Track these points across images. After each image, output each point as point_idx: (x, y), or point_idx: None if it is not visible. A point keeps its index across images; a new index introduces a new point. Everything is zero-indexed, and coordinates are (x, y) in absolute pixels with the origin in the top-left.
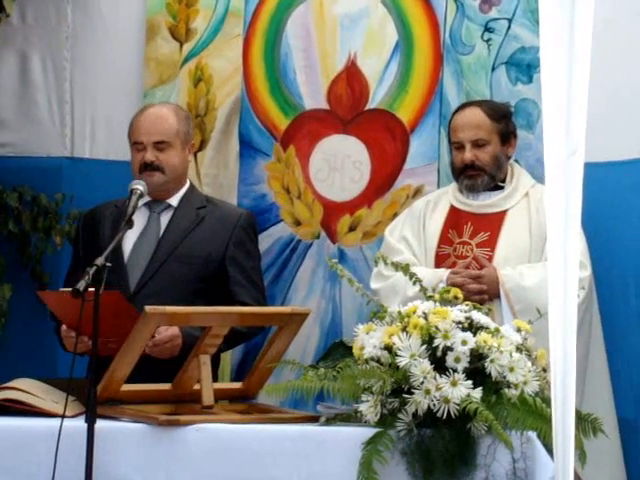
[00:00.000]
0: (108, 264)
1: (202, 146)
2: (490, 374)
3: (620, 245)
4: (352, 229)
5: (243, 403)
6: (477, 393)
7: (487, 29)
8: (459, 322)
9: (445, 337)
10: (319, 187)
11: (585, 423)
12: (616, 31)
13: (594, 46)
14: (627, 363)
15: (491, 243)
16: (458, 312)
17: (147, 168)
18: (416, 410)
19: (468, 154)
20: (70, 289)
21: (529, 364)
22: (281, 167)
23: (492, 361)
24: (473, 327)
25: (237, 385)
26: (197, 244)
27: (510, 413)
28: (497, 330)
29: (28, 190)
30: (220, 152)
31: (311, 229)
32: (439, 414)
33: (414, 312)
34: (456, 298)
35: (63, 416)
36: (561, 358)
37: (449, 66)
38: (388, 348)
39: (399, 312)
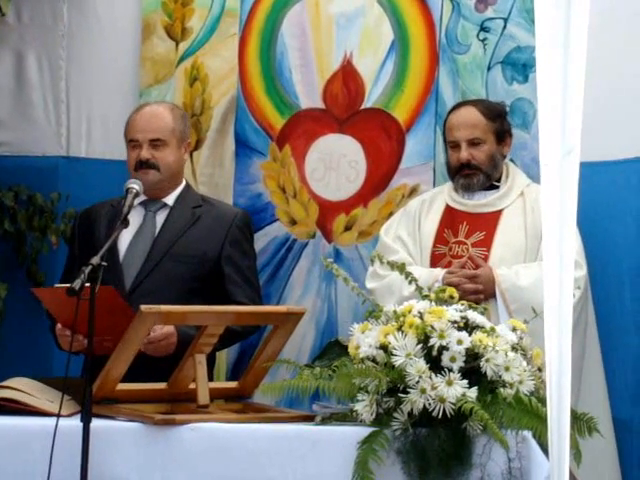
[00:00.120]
0: (104, 263)
1: (198, 145)
2: (486, 373)
3: (615, 244)
4: (348, 228)
5: (239, 402)
6: (472, 392)
7: (483, 28)
8: (455, 321)
9: (441, 336)
10: (315, 186)
11: (580, 423)
12: (612, 31)
13: (590, 46)
14: (622, 363)
15: (487, 243)
16: (454, 311)
17: (142, 166)
18: (412, 409)
19: (464, 153)
20: (65, 285)
21: (524, 363)
22: (277, 166)
23: (487, 360)
24: (469, 326)
25: (233, 384)
26: (193, 243)
27: (505, 412)
28: (492, 329)
29: (24, 189)
30: (216, 151)
31: (307, 228)
32: (435, 413)
33: (410, 311)
34: (452, 297)
35: (59, 415)
36: (556, 357)
37: (445, 65)
38: (384, 347)
39: (395, 311)
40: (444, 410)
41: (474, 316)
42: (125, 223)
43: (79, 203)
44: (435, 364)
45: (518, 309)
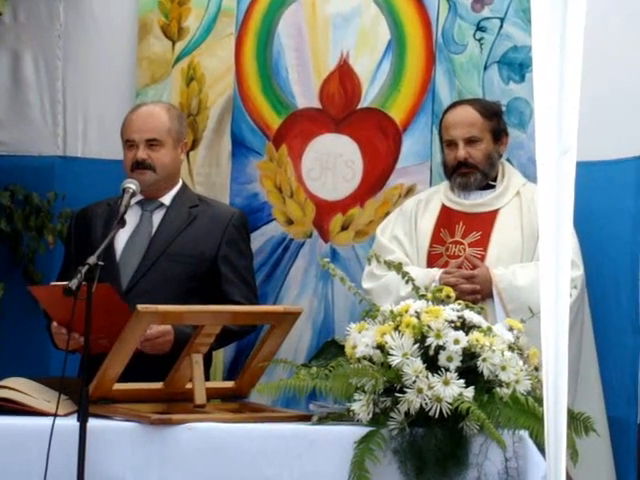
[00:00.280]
0: (100, 263)
1: (194, 145)
2: (482, 373)
3: (612, 244)
4: (344, 228)
5: (235, 402)
6: (469, 392)
7: (479, 28)
8: (451, 321)
9: (437, 336)
10: (311, 186)
11: (577, 422)
12: (608, 31)
13: (586, 46)
14: (619, 363)
15: (483, 242)
16: (450, 311)
17: (139, 166)
18: (408, 409)
19: (461, 151)
20: (61, 283)
21: (521, 363)
22: (273, 166)
23: (484, 360)
24: (465, 326)
25: (229, 384)
26: (189, 243)
27: (502, 412)
28: (489, 329)
29: (20, 189)
30: (212, 151)
31: (303, 228)
32: (431, 413)
33: (406, 311)
34: (448, 297)
35: (55, 415)
36: (553, 357)
37: (441, 65)
38: (380, 347)
39: (391, 311)
40: (441, 410)
41: (471, 316)
42: (122, 223)
43: (76, 203)
44: (432, 364)
45: (515, 309)
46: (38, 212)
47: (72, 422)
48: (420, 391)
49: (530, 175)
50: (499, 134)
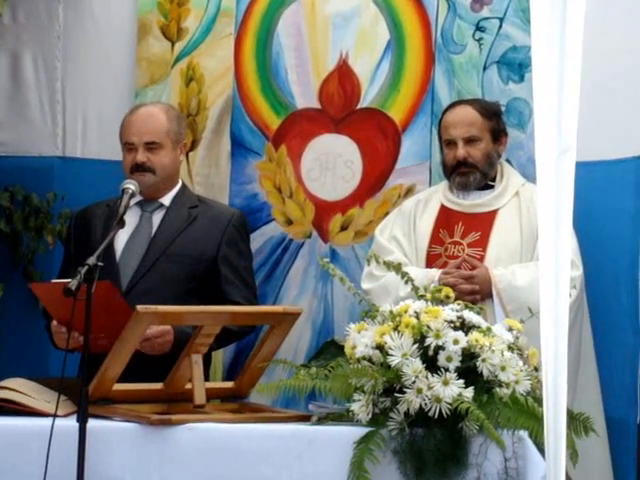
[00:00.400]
0: (100, 263)
1: (194, 146)
2: (482, 373)
3: (611, 244)
4: (344, 228)
5: (235, 402)
6: (469, 392)
7: (478, 28)
8: (451, 321)
9: (437, 336)
10: (311, 186)
11: (576, 422)
12: (607, 30)
13: (585, 45)
14: (618, 362)
15: (482, 243)
16: (450, 311)
17: (138, 169)
18: (408, 409)
19: (461, 151)
20: (62, 280)
21: (520, 363)
22: (273, 166)
23: (484, 360)
24: (465, 326)
25: (229, 384)
26: (189, 243)
27: (502, 412)
28: (489, 329)
29: (20, 189)
30: (212, 152)
31: (303, 228)
32: (431, 413)
33: (406, 311)
34: (447, 297)
35: (55, 415)
36: (552, 357)
37: (440, 65)
38: (380, 347)
39: (391, 311)
40: (440, 410)
41: (470, 316)
42: (121, 223)
43: (75, 203)
44: (431, 364)
45: (514, 309)
46: (37, 213)
47: (72, 422)
48: (419, 391)
49: (529, 175)
50: (498, 134)
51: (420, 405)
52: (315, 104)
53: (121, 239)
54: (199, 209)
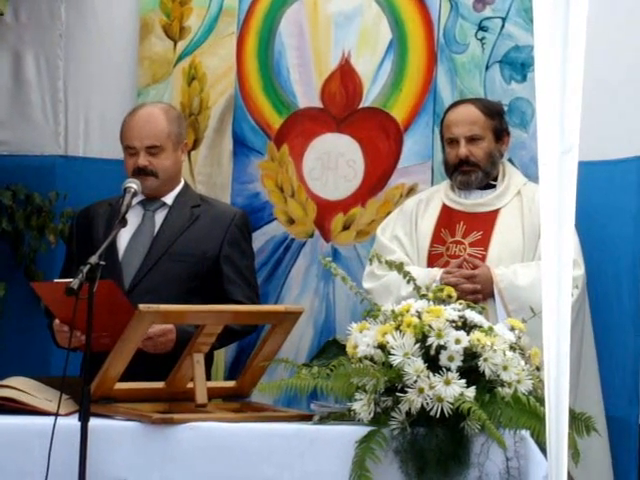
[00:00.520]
0: (102, 262)
1: (196, 145)
2: (484, 373)
3: (613, 243)
4: (346, 228)
5: (236, 402)
6: (470, 392)
7: (481, 28)
8: (453, 321)
9: (439, 336)
10: (313, 186)
11: (578, 422)
12: (610, 30)
13: (587, 45)
14: (620, 362)
15: (484, 242)
16: (452, 311)
17: (140, 173)
18: (409, 409)
19: (463, 149)
20: (64, 280)
21: (522, 363)
22: (275, 166)
23: (485, 360)
24: (467, 326)
25: (230, 384)
26: (191, 242)
27: (504, 412)
28: (491, 329)
29: (22, 188)
30: (214, 151)
31: (305, 228)
32: (432, 413)
33: (408, 311)
34: (449, 297)
35: (57, 414)
36: (555, 357)
37: (443, 65)
38: (382, 347)
39: (392, 311)
40: (442, 409)
41: (472, 315)
42: (123, 222)
43: (77, 202)
44: (433, 363)
45: (516, 309)
46: (39, 212)
47: (73, 421)
48: (421, 391)
49: (532, 175)
50: (501, 133)
51: (422, 404)
52: (317, 103)
53: (123, 238)
54: (201, 208)
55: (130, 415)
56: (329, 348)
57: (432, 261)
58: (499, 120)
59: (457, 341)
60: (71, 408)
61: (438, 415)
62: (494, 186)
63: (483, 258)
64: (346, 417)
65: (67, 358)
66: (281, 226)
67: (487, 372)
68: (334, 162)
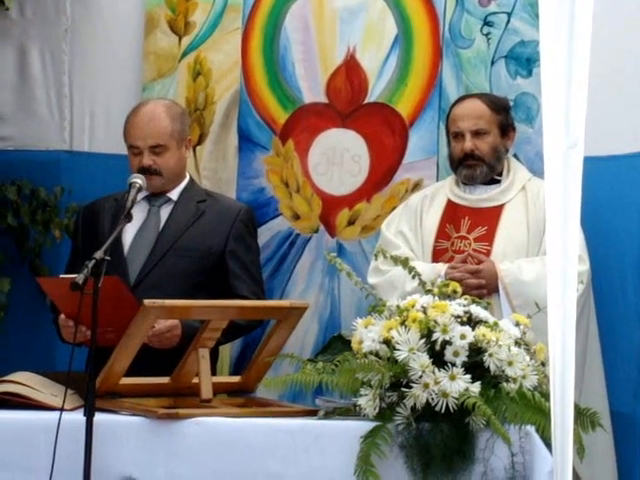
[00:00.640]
0: (107, 257)
1: (201, 140)
2: (489, 368)
3: (619, 238)
4: (351, 223)
5: (242, 397)
6: (476, 387)
7: (486, 23)
8: (458, 316)
9: (444, 331)
10: (318, 181)
11: (583, 417)
12: (615, 25)
13: (593, 40)
14: (625, 357)
15: (489, 237)
16: (457, 306)
17: (145, 172)
18: (415, 404)
19: (468, 143)
20: (70, 275)
21: (528, 358)
22: (280, 161)
23: (491, 355)
24: (472, 321)
25: (236, 379)
26: (197, 238)
27: (509, 407)
28: (496, 324)
29: (27, 183)
30: (219, 146)
31: (310, 223)
32: (437, 408)
33: (413, 306)
34: (455, 292)
35: (62, 409)
36: (560, 352)
37: (448, 60)
38: (387, 342)
39: (398, 306)
40: (447, 405)
41: (477, 310)
42: (128, 217)
43: (82, 197)
44: (438, 359)
45: (521, 304)
46: (45, 206)
47: (79, 416)
48: (426, 386)
49: (537, 170)
50: (506, 128)
51: (427, 400)
52: (322, 98)
53: (129, 233)
54: (207, 203)
55: (135, 410)
56: (334, 343)
57: (437, 256)
58: (505, 115)
59: (462, 336)
60: (76, 403)
61: (443, 410)
62: (499, 181)
63: (488, 253)
64: (351, 412)
65: (72, 353)
66: (286, 221)
67: (492, 367)
68: (339, 157)
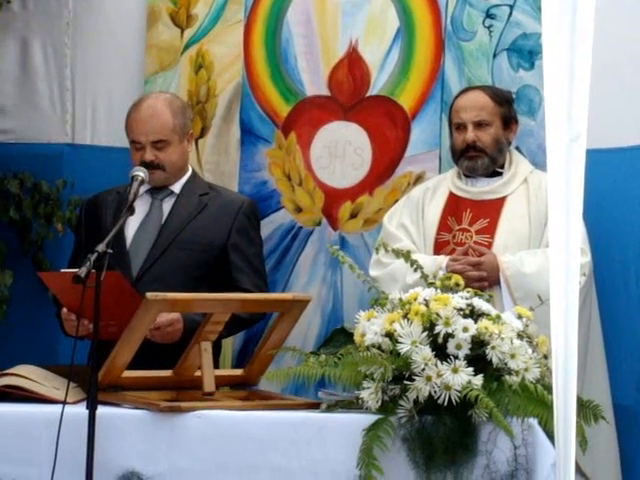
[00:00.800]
0: (109, 251)
1: (203, 133)
2: (491, 361)
3: (621, 231)
4: (353, 216)
5: (244, 390)
6: (478, 380)
7: (488, 15)
8: (460, 309)
9: (446, 324)
10: (320, 174)
11: (586, 410)
12: (618, 18)
13: (596, 33)
14: (628, 349)
15: (490, 230)
16: (459, 299)
17: (147, 167)
18: (417, 397)
19: (470, 134)
20: (71, 270)
21: (530, 351)
22: (282, 154)
23: (493, 348)
24: (474, 314)
25: (238, 372)
26: (199, 231)
27: (511, 400)
28: (498, 317)
29: (29, 177)
30: (221, 139)
31: (312, 216)
32: (440, 401)
33: (415, 299)
34: (457, 285)
35: (64, 402)
36: (562, 345)
37: (450, 53)
38: (389, 335)
39: (400, 299)
40: (450, 398)
41: (480, 303)
42: (131, 211)
43: (84, 190)
44: (441, 352)
45: (522, 296)
46: (47, 200)
47: (81, 410)
48: (429, 379)
49: (539, 163)
50: (509, 121)
51: (429, 393)
52: (324, 91)
53: (131, 226)
54: (209, 196)
55: (138, 403)
56: (337, 336)
57: (439, 249)
58: (508, 107)
59: (465, 329)
60: (79, 396)
61: (446, 403)
62: (501, 174)
63: (489, 245)
64: (354, 405)
65: (74, 346)
66: (289, 214)
67: (495, 360)
68: (342, 150)
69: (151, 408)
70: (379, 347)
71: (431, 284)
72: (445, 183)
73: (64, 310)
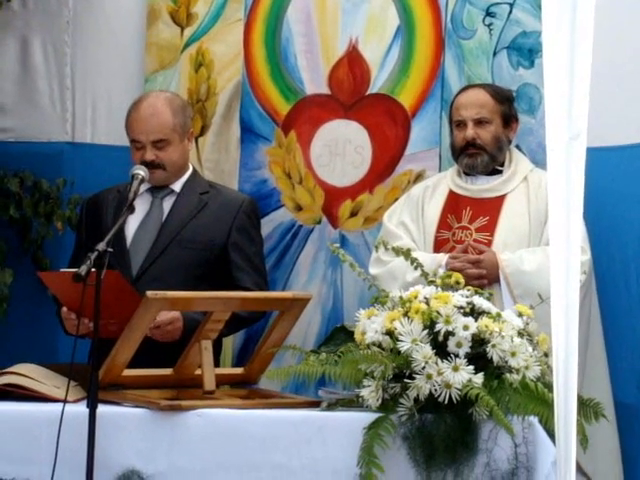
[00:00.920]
0: (109, 249)
1: (203, 131)
2: (492, 359)
3: (621, 229)
4: (353, 214)
5: (244, 388)
6: (479, 378)
7: (488, 14)
8: (461, 307)
9: (447, 322)
10: (320, 172)
11: (587, 408)
12: (618, 16)
13: (596, 31)
14: (628, 347)
15: (490, 228)
16: (460, 297)
17: (148, 166)
18: (417, 395)
19: (470, 131)
20: (71, 270)
21: (530, 349)
22: (282, 152)
23: (494, 346)
24: (475, 312)
25: (238, 370)
26: (200, 229)
27: (512, 398)
28: (499, 315)
29: (29, 175)
30: (221, 137)
31: (312, 214)
32: (440, 399)
33: (416, 297)
34: (458, 283)
35: (65, 401)
36: (563, 343)
37: (450, 51)
38: (390, 333)
39: (401, 297)
40: (450, 396)
41: (480, 302)
42: (131, 209)
43: (84, 189)
44: (441, 350)
45: (522, 294)
46: (47, 198)
47: (82, 408)
48: (429, 377)
49: (539, 161)
50: (509, 119)
51: (430, 391)
52: (325, 90)
53: (132, 225)
54: (210, 195)
55: (138, 402)
56: (337, 335)
57: (438, 247)
58: (508, 106)
59: (465, 327)
60: (79, 395)
61: (446, 401)
62: (501, 172)
63: (489, 243)
64: (354, 403)
65: (75, 345)
66: (289, 213)
67: (495, 358)
68: (342, 148)
69: (151, 407)
70: (379, 345)
71: (431, 282)
72: (445, 181)
73: (64, 309)
